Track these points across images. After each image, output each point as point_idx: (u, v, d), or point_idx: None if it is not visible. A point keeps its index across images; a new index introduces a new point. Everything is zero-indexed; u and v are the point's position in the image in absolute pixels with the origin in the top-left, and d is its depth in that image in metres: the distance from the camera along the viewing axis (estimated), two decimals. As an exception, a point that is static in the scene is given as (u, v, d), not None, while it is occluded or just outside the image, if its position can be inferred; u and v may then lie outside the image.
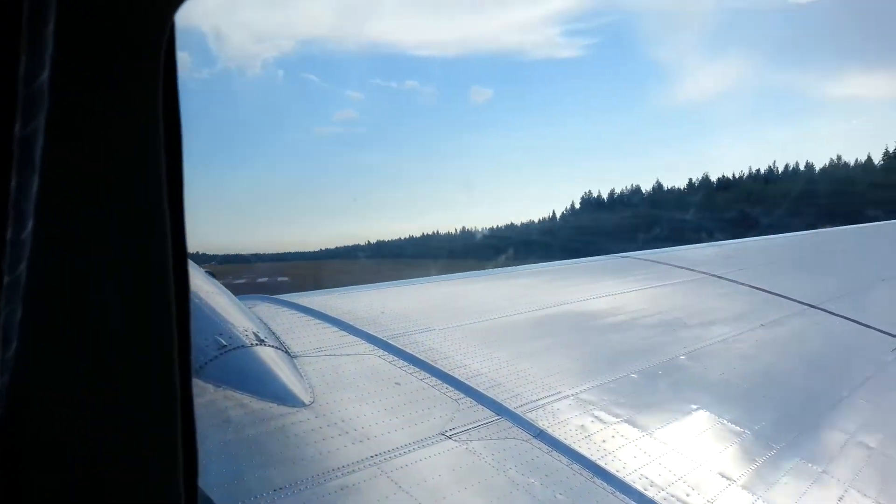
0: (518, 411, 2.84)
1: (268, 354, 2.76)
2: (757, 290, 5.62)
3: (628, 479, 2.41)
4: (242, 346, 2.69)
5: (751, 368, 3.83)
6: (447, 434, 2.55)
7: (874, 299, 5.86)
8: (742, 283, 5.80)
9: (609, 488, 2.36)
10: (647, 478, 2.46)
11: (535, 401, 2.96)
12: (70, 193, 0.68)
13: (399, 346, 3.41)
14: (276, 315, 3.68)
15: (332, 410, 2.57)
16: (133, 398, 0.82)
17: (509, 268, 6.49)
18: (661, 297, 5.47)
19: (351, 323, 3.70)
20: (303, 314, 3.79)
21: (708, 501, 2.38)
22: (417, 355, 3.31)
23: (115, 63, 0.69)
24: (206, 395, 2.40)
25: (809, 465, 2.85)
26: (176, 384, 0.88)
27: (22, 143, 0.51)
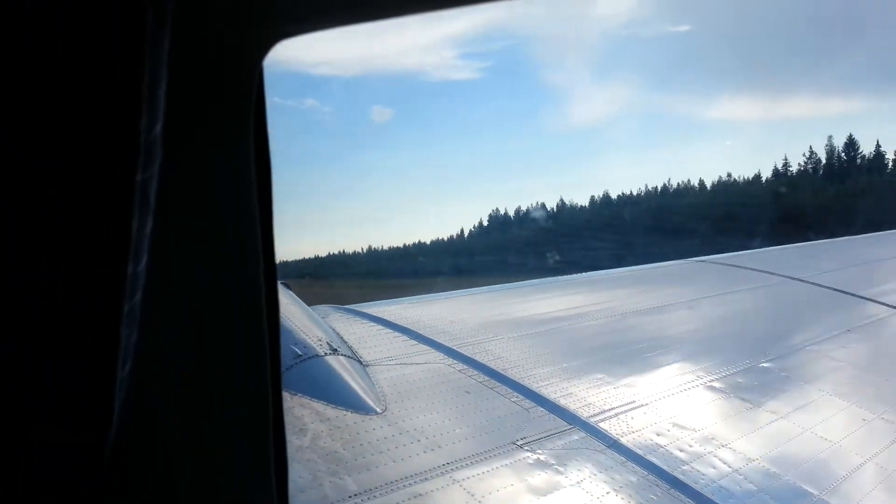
0: (591, 421, 2.80)
1: (341, 363, 2.82)
2: (839, 293, 5.36)
3: (705, 492, 2.34)
4: (316, 355, 2.76)
5: (845, 374, 3.66)
6: (518, 443, 2.54)
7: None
8: (823, 286, 5.54)
9: (686, 500, 2.29)
10: (727, 490, 2.38)
11: (608, 410, 2.91)
12: (178, 229, 0.76)
13: (468, 355, 3.41)
14: (347, 324, 3.75)
15: (404, 418, 2.60)
16: (231, 411, 0.88)
17: (574, 275, 6.41)
18: (738, 301, 5.29)
19: (420, 332, 3.74)
20: (373, 323, 3.86)
21: (793, 516, 2.29)
22: (487, 363, 3.31)
23: (213, 111, 0.76)
24: (284, 404, 2.48)
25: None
26: (269, 393, 0.93)
27: (142, 187, 0.57)
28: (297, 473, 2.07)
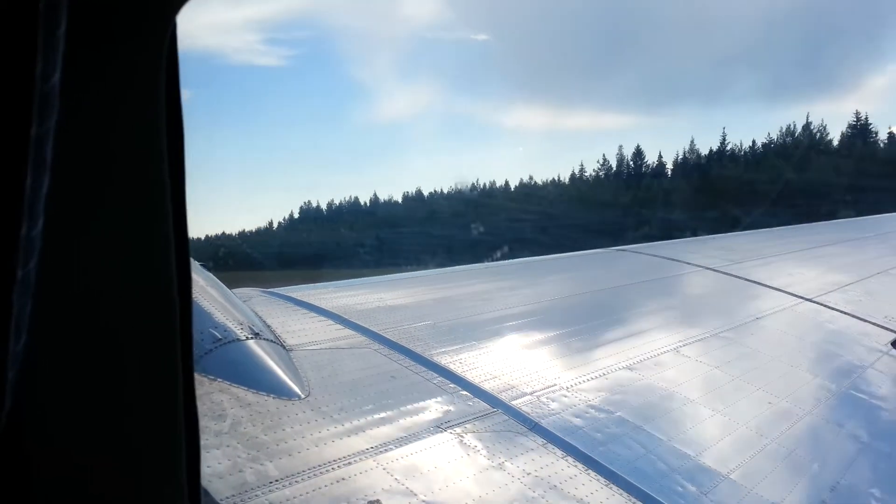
0: (514, 404, 2.85)
1: (262, 347, 2.76)
2: (751, 283, 5.63)
3: (621, 471, 2.42)
4: (237, 339, 2.69)
5: (747, 361, 3.85)
6: (442, 427, 2.56)
7: (873, 292, 5.88)
8: (736, 276, 5.81)
9: (603, 480, 2.37)
10: (641, 470, 2.47)
11: (530, 393, 2.97)
12: (78, 191, 0.69)
13: (394, 339, 3.41)
14: (271, 308, 3.68)
15: (328, 403, 2.57)
16: (137, 393, 0.83)
17: (504, 262, 6.50)
18: (656, 289, 5.48)
19: (346, 316, 3.70)
20: (298, 307, 3.79)
21: (705, 490, 2.40)
22: (413, 348, 3.31)
23: (120, 62, 0.70)
24: (201, 388, 2.40)
25: (802, 454, 2.87)
26: (178, 377, 0.89)
27: (36, 142, 0.52)
28: (216, 460, 2.02)
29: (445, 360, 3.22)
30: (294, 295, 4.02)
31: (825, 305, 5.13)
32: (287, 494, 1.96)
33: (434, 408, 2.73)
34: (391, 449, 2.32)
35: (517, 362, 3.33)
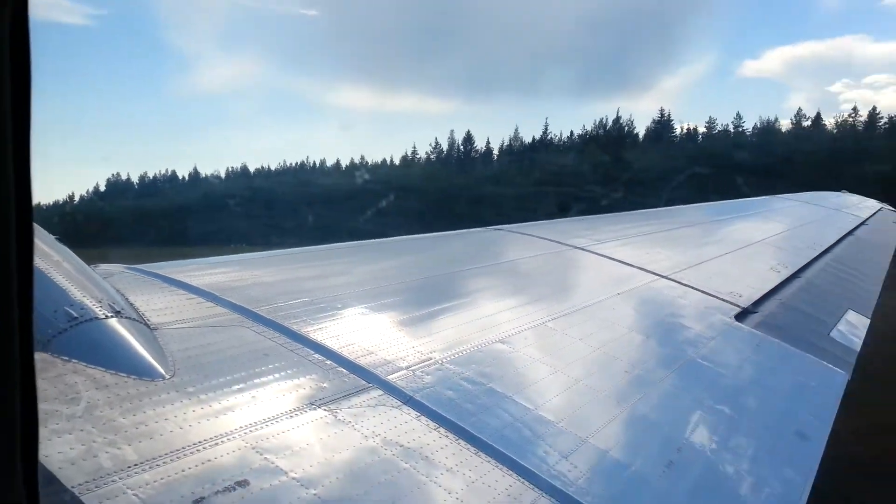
0: (389, 379, 2.88)
1: (124, 326, 2.62)
2: (614, 261, 5.98)
3: (490, 440, 2.52)
4: (95, 318, 2.53)
5: (608, 333, 4.10)
6: (316, 403, 2.55)
7: (723, 270, 6.41)
8: (603, 255, 6.15)
9: (472, 449, 2.46)
10: (508, 438, 2.58)
11: (406, 368, 3.01)
12: None
13: (268, 317, 3.34)
14: (135, 286, 3.49)
15: (195, 383, 2.49)
16: None
17: (381, 239, 6.51)
18: (528, 267, 5.70)
19: (217, 294, 3.58)
20: (165, 284, 3.62)
21: (566, 454, 2.54)
22: (287, 325, 3.26)
23: None
24: (54, 370, 2.25)
25: (653, 416, 3.11)
26: (13, 363, 0.83)
27: None
28: (68, 445, 1.90)
29: (321, 337, 3.20)
30: (161, 272, 3.83)
31: (678, 282, 5.54)
32: (147, 479, 1.88)
33: (308, 385, 2.71)
34: (261, 428, 2.29)
35: (393, 338, 3.37)
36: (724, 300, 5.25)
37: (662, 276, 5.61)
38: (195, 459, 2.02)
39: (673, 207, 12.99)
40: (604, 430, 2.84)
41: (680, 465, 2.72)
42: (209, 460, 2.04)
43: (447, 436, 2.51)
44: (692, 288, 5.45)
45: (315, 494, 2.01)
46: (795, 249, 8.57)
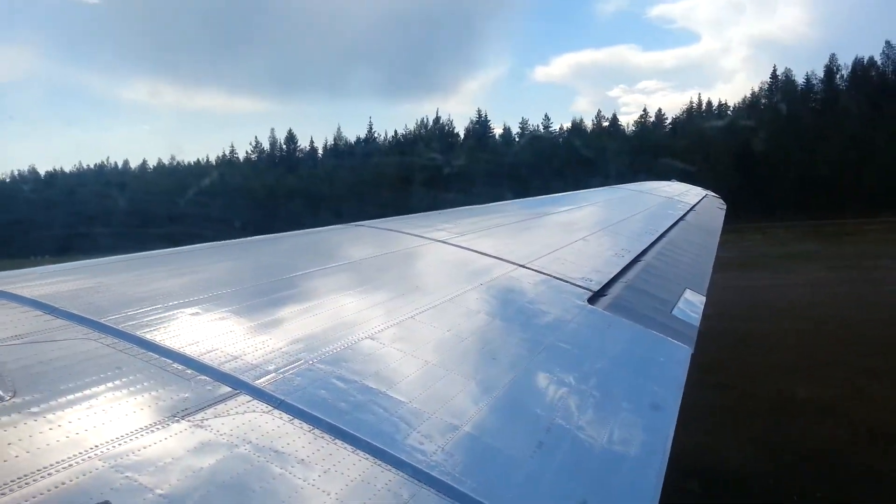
0: (257, 383, 2.77)
1: (-53, 347, 2.32)
2: (476, 253, 6.15)
3: (366, 437, 2.50)
4: (-90, 339, 2.22)
5: (473, 323, 4.20)
6: (179, 414, 2.40)
7: (575, 256, 6.77)
8: (464, 248, 6.30)
9: (350, 447, 2.43)
10: (385, 433, 2.58)
11: (275, 371, 2.91)
12: None
13: (117, 327, 3.10)
14: (-44, 301, 3.10)
15: (40, 403, 2.26)
16: None
17: (237, 240, 6.25)
18: (392, 262, 5.72)
19: (56, 305, 3.27)
20: None
21: (442, 444, 2.57)
22: (140, 334, 3.05)
23: None
24: None
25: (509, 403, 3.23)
26: None
27: None
28: None
29: (178, 344, 3.01)
30: (-13, 284, 3.44)
31: (536, 270, 5.80)
32: (-10, 512, 1.68)
33: (169, 396, 2.54)
34: (120, 444, 2.12)
35: (258, 341, 3.24)
36: (577, 285, 5.56)
37: (521, 266, 5.84)
38: (48, 483, 1.84)
39: (524, 199, 13.57)
40: (477, 417, 2.91)
41: (550, 445, 2.85)
42: (64, 483, 1.86)
43: (323, 437, 2.46)
44: (548, 275, 5.72)
45: (186, 511, 1.89)
46: (636, 235, 9.24)
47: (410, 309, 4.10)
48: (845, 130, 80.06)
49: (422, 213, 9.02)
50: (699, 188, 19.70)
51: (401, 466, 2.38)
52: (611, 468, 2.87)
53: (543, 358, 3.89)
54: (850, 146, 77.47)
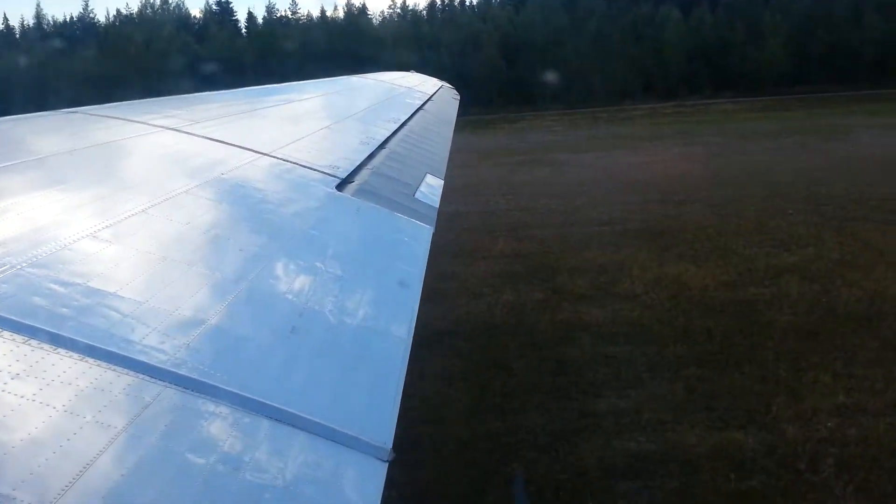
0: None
1: None
2: (214, 142, 5.72)
3: (97, 343, 2.26)
4: None
5: (215, 215, 3.94)
6: None
7: (321, 144, 6.63)
8: (199, 136, 5.81)
9: (77, 355, 2.17)
10: (119, 336, 2.34)
11: (-31, 281, 2.46)
12: None
13: None
14: None
15: None
16: None
17: None
18: (115, 153, 5.08)
19: None
20: None
21: (187, 341, 2.42)
22: None
23: None
24: None
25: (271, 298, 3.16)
26: None
27: None
28: None
29: None
30: None
31: (281, 158, 5.58)
32: None
33: None
34: None
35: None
36: (325, 173, 5.48)
37: (265, 154, 5.57)
38: None
39: (266, 86, 12.85)
40: (224, 310, 2.78)
41: (303, 328, 2.84)
42: None
43: (42, 347, 2.16)
44: (294, 163, 5.55)
45: None
46: (380, 123, 9.32)
47: (139, 203, 3.70)
48: (586, 29, 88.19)
49: (149, 99, 8.08)
50: (436, 79, 20.40)
51: (141, 369, 2.19)
52: (364, 342, 2.96)
53: (293, 245, 3.81)
54: (592, 42, 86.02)
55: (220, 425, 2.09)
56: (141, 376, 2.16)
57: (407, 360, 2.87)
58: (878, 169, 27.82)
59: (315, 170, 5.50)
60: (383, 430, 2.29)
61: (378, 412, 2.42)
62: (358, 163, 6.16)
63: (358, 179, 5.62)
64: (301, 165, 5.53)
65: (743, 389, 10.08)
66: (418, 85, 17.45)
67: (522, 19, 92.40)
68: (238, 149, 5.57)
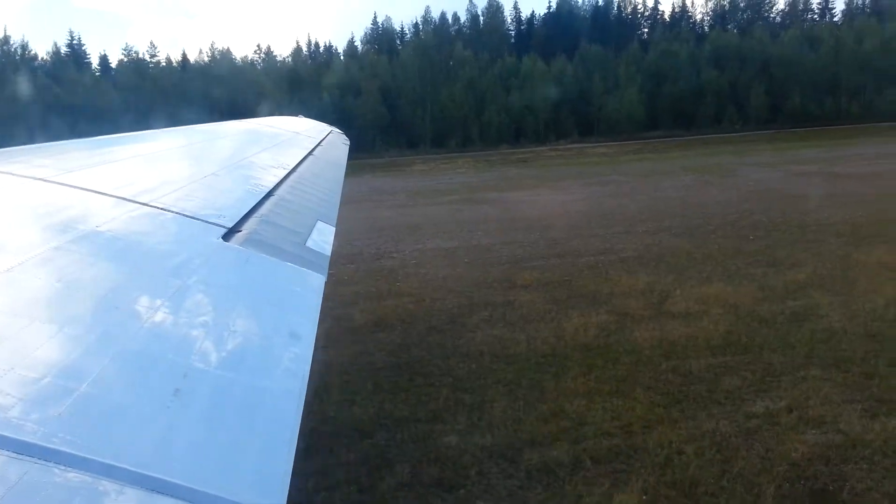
0: None
1: None
2: (90, 192, 5.43)
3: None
4: None
5: (94, 272, 3.73)
6: None
7: (205, 192, 6.43)
8: (73, 186, 5.50)
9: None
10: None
11: None
12: None
13: None
14: None
15: None
16: None
17: None
18: (-24, 207, 4.71)
19: None
20: None
21: (58, 411, 2.26)
22: None
23: None
24: None
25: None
26: None
27: None
28: None
29: None
30: None
31: (163, 208, 5.37)
32: None
33: None
34: None
35: None
36: (210, 222, 5.32)
37: (145, 204, 5.34)
38: None
39: (144, 132, 12.36)
40: (99, 374, 2.62)
41: (188, 390, 2.72)
42: None
43: None
44: (177, 213, 5.35)
45: None
46: (268, 169, 9.18)
47: (4, 263, 3.45)
48: (462, 75, 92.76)
49: (14, 147, 7.56)
50: (325, 124, 20.37)
51: (5, 444, 2.03)
52: (254, 401, 2.86)
53: (176, 301, 3.65)
54: (467, 88, 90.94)
55: (95, 502, 1.96)
56: (6, 453, 1.99)
57: (300, 416, 2.80)
58: (791, 199, 31.43)
59: (199, 220, 5.33)
60: (275, 495, 2.22)
61: (270, 475, 2.34)
62: (245, 211, 6.03)
63: (245, 228, 5.49)
64: (183, 215, 5.34)
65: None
66: (307, 130, 17.35)
67: (396, 67, 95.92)
68: (116, 199, 5.32)
